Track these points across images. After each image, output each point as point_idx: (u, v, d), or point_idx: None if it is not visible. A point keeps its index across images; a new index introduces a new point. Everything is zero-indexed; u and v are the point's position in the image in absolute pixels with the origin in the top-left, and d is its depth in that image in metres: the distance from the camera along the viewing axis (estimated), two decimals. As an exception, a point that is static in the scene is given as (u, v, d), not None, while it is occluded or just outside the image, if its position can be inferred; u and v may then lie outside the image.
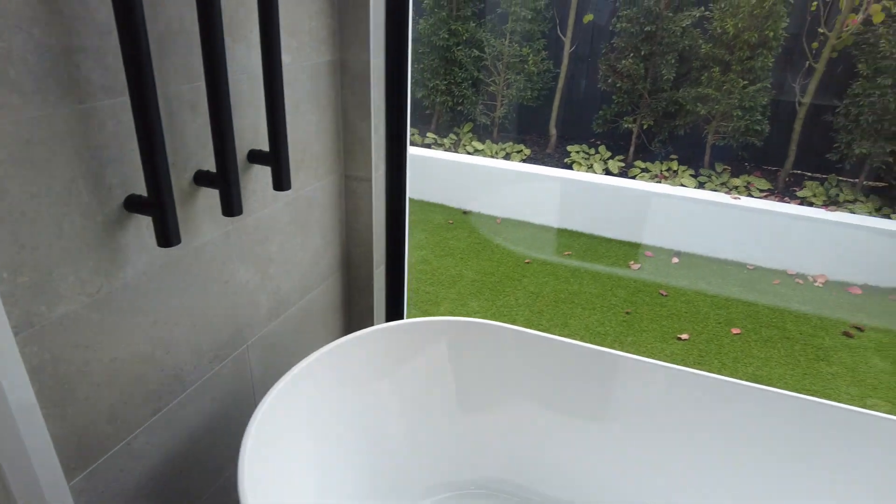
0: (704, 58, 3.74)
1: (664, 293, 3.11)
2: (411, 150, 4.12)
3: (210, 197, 1.01)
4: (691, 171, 4.01)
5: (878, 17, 3.39)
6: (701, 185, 3.87)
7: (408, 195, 1.53)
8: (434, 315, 2.78)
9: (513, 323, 2.77)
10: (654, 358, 2.59)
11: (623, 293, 3.09)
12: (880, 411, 2.20)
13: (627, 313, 2.89)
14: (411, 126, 4.72)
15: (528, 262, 3.39)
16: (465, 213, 4.04)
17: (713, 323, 2.86)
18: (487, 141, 4.48)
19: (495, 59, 4.23)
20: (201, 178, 0.97)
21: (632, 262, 3.46)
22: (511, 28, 4.12)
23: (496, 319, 2.76)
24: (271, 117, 0.99)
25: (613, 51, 3.98)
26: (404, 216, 1.51)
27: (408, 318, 1.48)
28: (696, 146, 4.07)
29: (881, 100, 3.44)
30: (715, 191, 3.75)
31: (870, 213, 3.65)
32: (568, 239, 3.73)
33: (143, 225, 0.89)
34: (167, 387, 1.01)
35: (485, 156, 4.32)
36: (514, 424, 1.43)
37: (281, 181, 1.04)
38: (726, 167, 4.06)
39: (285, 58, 1.13)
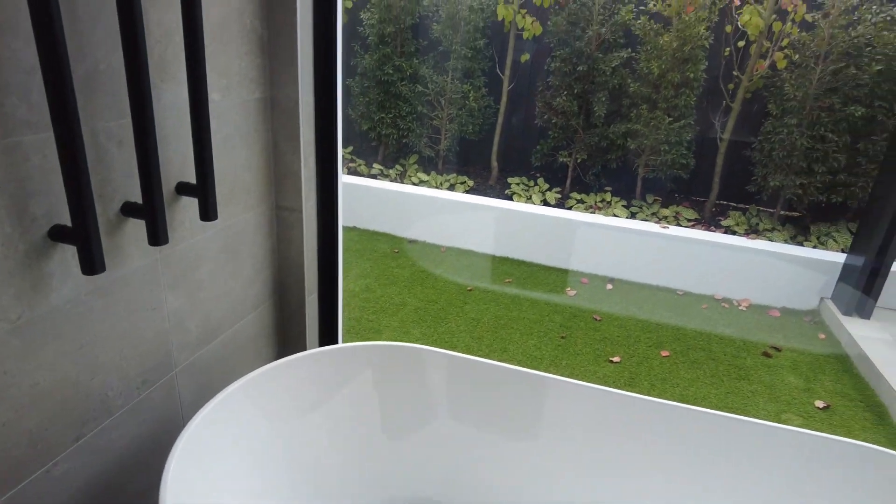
0: (633, 96, 3.99)
1: (598, 318, 3.24)
2: (357, 181, 4.20)
3: (138, 227, 1.05)
4: (624, 202, 4.22)
5: (782, 63, 3.73)
6: (633, 216, 4.09)
7: (341, 224, 1.60)
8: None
9: (453, 349, 2.84)
10: (586, 380, 2.70)
11: (559, 318, 3.21)
12: (793, 425, 2.38)
13: (563, 337, 3.01)
14: (358, 157, 4.81)
15: (470, 290, 3.48)
16: (410, 242, 4.12)
17: (644, 346, 3.01)
18: (433, 172, 4.61)
19: (438, 94, 4.39)
20: (129, 209, 1.01)
21: (568, 289, 3.60)
22: (453, 65, 4.30)
23: (438, 346, 2.83)
24: (198, 152, 1.04)
25: (549, 89, 4.20)
26: (337, 244, 1.57)
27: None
28: (628, 178, 4.30)
29: (789, 137, 3.75)
30: (646, 220, 3.96)
31: (786, 241, 3.93)
32: (509, 267, 3.85)
33: (69, 254, 0.92)
34: (92, 412, 1.03)
35: (430, 186, 4.43)
36: (445, 447, 1.48)
37: (207, 212, 1.09)
38: (657, 198, 4.30)
39: (215, 95, 1.19)
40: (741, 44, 3.88)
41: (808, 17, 3.69)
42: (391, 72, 4.38)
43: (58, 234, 0.89)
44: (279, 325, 1.58)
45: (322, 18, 1.35)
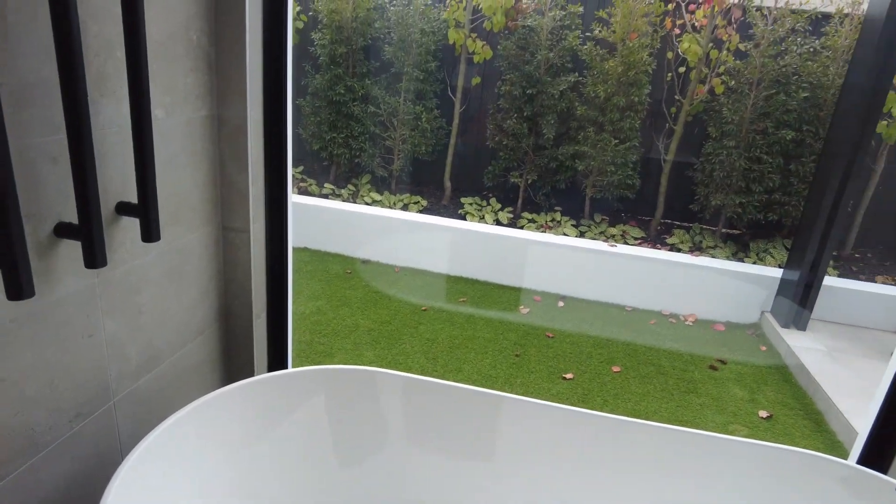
0: (580, 119, 4.10)
1: (551, 335, 3.28)
2: (308, 201, 4.14)
3: (74, 248, 0.99)
4: (573, 222, 4.31)
5: (720, 89, 3.92)
6: (582, 235, 4.17)
7: (290, 245, 1.56)
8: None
9: (407, 371, 2.80)
10: (541, 397, 2.71)
11: (513, 336, 3.22)
12: (739, 436, 2.44)
13: (517, 356, 3.02)
14: (309, 177, 4.74)
15: (424, 310, 3.46)
16: (363, 262, 4.07)
17: (596, 362, 3.05)
18: (385, 192, 4.59)
19: (391, 115, 4.40)
20: (63, 230, 0.95)
21: (522, 307, 3.63)
22: (405, 87, 4.32)
23: (391, 368, 2.79)
24: (140, 170, 1.00)
25: (500, 111, 4.27)
26: (286, 266, 1.53)
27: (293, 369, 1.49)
28: (577, 198, 4.40)
29: (728, 158, 3.93)
30: (594, 239, 4.05)
31: (727, 258, 4.09)
32: (463, 286, 3.86)
33: (-7, 278, 0.86)
34: (16, 450, 0.95)
35: (383, 206, 4.41)
36: (401, 472, 1.45)
37: (150, 233, 1.04)
38: (605, 217, 4.41)
39: (159, 112, 1.15)
40: (682, 70, 4.06)
41: (742, 47, 3.90)
42: (343, 92, 4.37)
43: (-19, 258, 0.82)
44: (226, 350, 1.52)
45: (272, 37, 1.33)
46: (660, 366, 3.11)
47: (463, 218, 4.30)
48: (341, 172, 4.71)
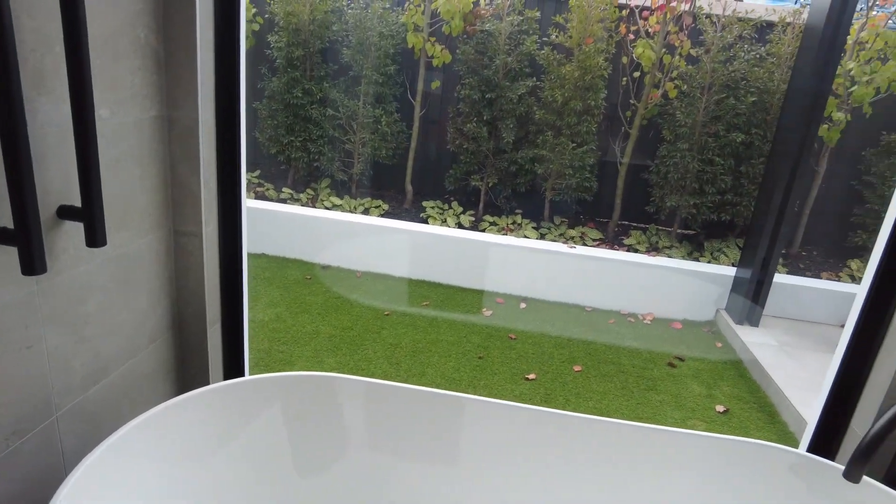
0: (539, 123, 4.15)
1: (513, 337, 3.29)
2: (266, 206, 4.06)
3: (9, 254, 0.94)
4: (534, 224, 4.35)
5: (673, 93, 4.02)
6: (542, 237, 4.21)
7: (245, 250, 1.52)
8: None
9: (370, 376, 2.77)
10: (504, 398, 2.72)
11: (476, 339, 3.22)
12: (698, 430, 2.48)
13: (480, 358, 3.02)
14: (266, 181, 4.64)
15: (387, 315, 3.43)
16: (324, 267, 4.01)
17: (557, 362, 3.08)
18: (346, 196, 4.54)
19: (350, 118, 4.36)
20: (-3, 236, 0.90)
21: (485, 309, 3.64)
22: (364, 90, 4.29)
23: (353, 374, 2.75)
24: (83, 172, 0.95)
25: (460, 115, 4.29)
26: (241, 271, 1.49)
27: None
28: (537, 201, 4.44)
29: (682, 160, 4.03)
30: (554, 241, 4.10)
31: (683, 258, 4.19)
32: (426, 290, 3.85)
33: (-80, 287, 0.81)
34: (-52, 470, 0.89)
35: (343, 211, 4.36)
36: (363, 479, 1.43)
37: (95, 237, 0.99)
38: (564, 220, 4.47)
39: (103, 112, 1.10)
40: (637, 74, 4.15)
41: (693, 52, 4.02)
42: (300, 95, 4.31)
43: None
44: (180, 359, 1.47)
45: (224, 36, 1.30)
46: (620, 364, 3.16)
47: (425, 221, 4.29)
48: (300, 177, 4.64)
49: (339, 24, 4.31)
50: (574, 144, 4.09)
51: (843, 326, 1.54)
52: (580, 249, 3.93)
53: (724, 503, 1.33)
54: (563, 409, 2.56)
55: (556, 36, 4.09)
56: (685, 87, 4.02)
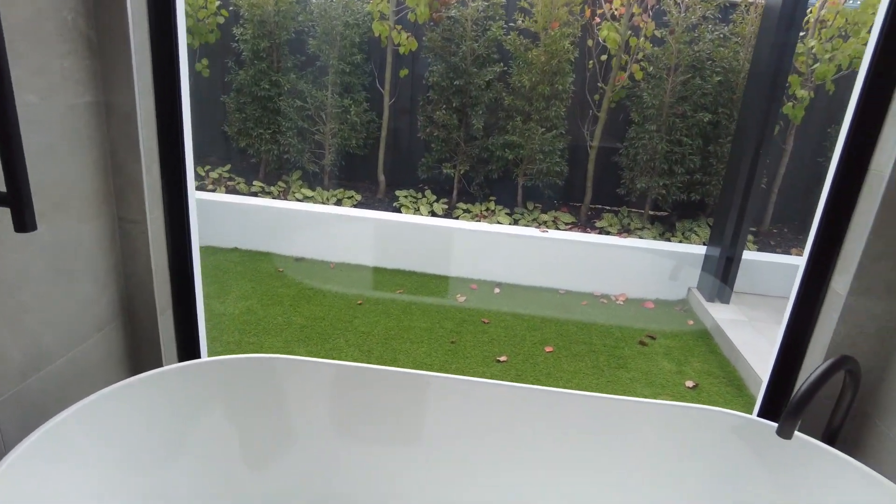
0: (508, 108, 4.16)
1: (486, 321, 3.31)
2: (237, 200, 4.03)
3: (-67, 242, 0.93)
4: (507, 210, 4.37)
5: (639, 75, 4.05)
6: (515, 222, 4.23)
7: (195, 237, 1.51)
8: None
9: (341, 364, 2.78)
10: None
11: (450, 324, 3.24)
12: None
13: (452, 343, 3.03)
14: (237, 175, 4.60)
15: (360, 304, 3.43)
16: (297, 259, 4.00)
17: (529, 344, 3.10)
18: (318, 188, 4.52)
19: (319, 109, 4.33)
20: (-82, 222, 0.89)
21: (458, 295, 3.65)
22: (332, 80, 4.26)
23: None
24: (6, 155, 0.94)
25: (430, 103, 4.28)
26: (191, 258, 1.49)
27: (200, 361, 1.44)
28: (510, 187, 4.46)
29: (650, 142, 4.07)
30: (527, 226, 4.12)
31: (654, 238, 4.24)
32: (401, 278, 3.85)
33: None
34: None
35: (316, 202, 4.34)
36: (315, 461, 1.43)
37: (23, 222, 0.98)
38: (537, 205, 4.49)
39: (31, 97, 1.09)
40: (604, 58, 4.17)
41: (658, 34, 4.04)
42: (268, 87, 4.27)
43: None
44: (131, 347, 1.46)
45: (159, 21, 1.28)
46: (591, 344, 3.19)
47: (398, 211, 4.29)
48: (271, 170, 4.61)
49: (305, 15, 4.28)
50: (543, 129, 4.10)
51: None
52: (552, 233, 3.96)
53: (675, 466, 1.36)
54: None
55: (522, 21, 4.09)
56: (651, 68, 4.04)
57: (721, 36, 3.98)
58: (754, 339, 3.25)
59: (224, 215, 4.05)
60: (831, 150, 4.22)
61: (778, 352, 1.46)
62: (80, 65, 1.20)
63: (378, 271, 3.94)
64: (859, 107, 1.21)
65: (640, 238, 4.20)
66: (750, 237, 4.32)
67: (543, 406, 1.38)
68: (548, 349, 3.06)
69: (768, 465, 1.26)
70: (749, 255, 3.88)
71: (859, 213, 1.24)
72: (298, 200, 4.34)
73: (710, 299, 3.77)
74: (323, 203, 4.33)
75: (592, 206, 4.52)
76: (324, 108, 4.31)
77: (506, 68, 4.16)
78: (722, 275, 3.74)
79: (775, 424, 1.26)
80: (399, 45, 4.18)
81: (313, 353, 2.84)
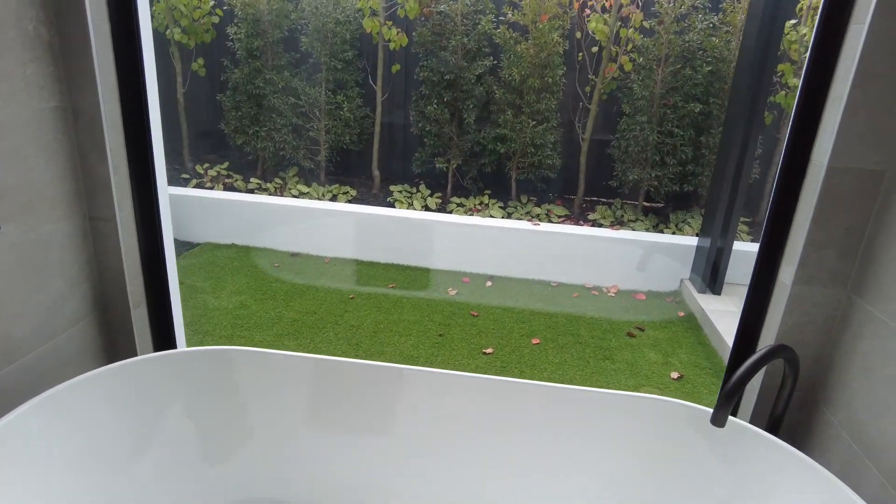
0: (499, 102, 4.18)
1: (475, 314, 3.35)
2: (234, 196, 4.10)
3: None
4: (501, 204, 4.40)
5: (628, 66, 4.05)
6: (509, 216, 4.26)
7: (168, 233, 1.57)
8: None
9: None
10: (459, 370, 2.77)
11: (439, 318, 3.28)
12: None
13: (440, 335, 3.08)
14: (235, 173, 4.66)
15: (352, 298, 3.49)
16: (292, 255, 4.06)
17: (516, 336, 3.14)
18: (314, 184, 4.58)
19: (312, 105, 4.38)
20: None
21: (450, 289, 3.69)
22: (325, 77, 4.31)
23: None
24: (-35, 159, 1.00)
25: (421, 98, 4.31)
26: (163, 254, 1.54)
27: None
28: (504, 181, 4.48)
29: (641, 133, 4.07)
30: (519, 220, 4.15)
31: (647, 230, 4.24)
32: (394, 272, 3.90)
33: None
34: None
35: (311, 198, 4.39)
36: (294, 450, 1.48)
37: (-15, 222, 1.04)
38: (532, 198, 4.51)
39: (-5, 103, 1.14)
40: (595, 49, 4.17)
41: (647, 24, 4.04)
42: (262, 85, 4.33)
43: None
44: (107, 341, 1.52)
45: (121, 27, 1.33)
46: (578, 336, 3.22)
47: (392, 206, 4.33)
48: (268, 166, 4.67)
49: (297, 13, 4.32)
50: (534, 122, 4.12)
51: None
52: (544, 226, 3.98)
53: (620, 455, 1.39)
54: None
55: (512, 14, 4.10)
56: (641, 59, 4.04)
57: (711, 25, 3.97)
58: (742, 329, 3.26)
59: (222, 212, 4.12)
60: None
61: (733, 342, 1.49)
62: (43, 71, 1.25)
63: (372, 266, 3.99)
64: (801, 99, 1.23)
65: (633, 230, 4.21)
66: (744, 227, 4.31)
67: (498, 396, 1.41)
68: (534, 341, 3.10)
69: (715, 454, 1.29)
70: (742, 246, 3.88)
71: (802, 203, 1.26)
72: (294, 196, 4.40)
73: (702, 290, 3.77)
74: (319, 199, 4.39)
75: (587, 199, 4.53)
76: (317, 104, 4.36)
77: (496, 62, 4.18)
78: (713, 266, 3.74)
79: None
80: (389, 41, 4.21)
81: (302, 346, 2.90)
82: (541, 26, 3.94)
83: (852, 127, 1.14)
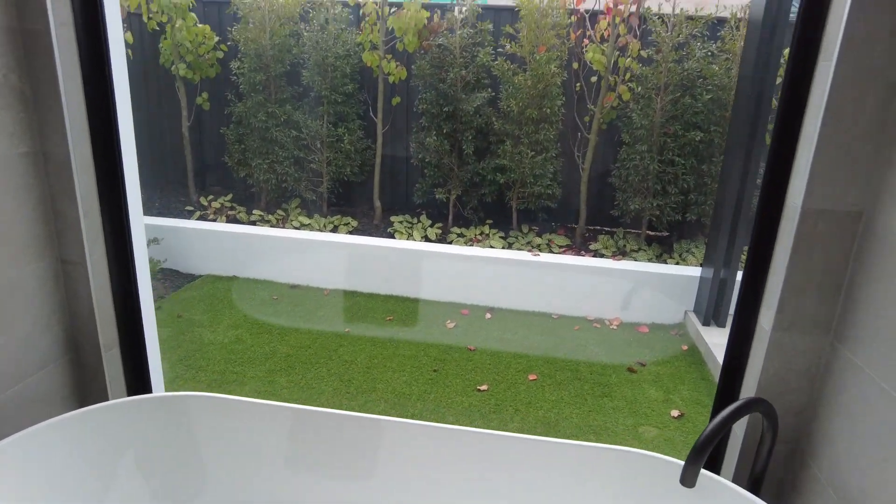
0: (498, 133, 4.18)
1: (472, 348, 3.30)
2: (236, 229, 4.12)
3: None
4: (501, 234, 4.37)
5: (627, 95, 4.04)
6: (510, 246, 4.23)
7: (143, 274, 1.56)
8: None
9: (319, 394, 2.79)
10: (452, 408, 2.72)
11: (435, 352, 3.24)
12: (649, 436, 2.46)
13: (435, 371, 3.03)
14: (239, 205, 4.70)
15: (347, 332, 3.46)
16: (292, 287, 4.06)
17: (513, 371, 3.08)
18: (316, 215, 4.59)
19: (314, 138, 4.42)
20: None
21: (448, 321, 3.65)
22: (326, 110, 4.35)
23: (302, 393, 2.77)
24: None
25: (421, 129, 4.33)
26: (137, 296, 1.53)
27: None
28: (505, 211, 4.47)
29: (641, 163, 4.04)
30: (520, 250, 4.11)
31: (650, 260, 4.18)
32: (392, 304, 3.87)
33: None
34: None
35: (313, 229, 4.41)
36: (263, 501, 1.44)
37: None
38: (533, 228, 4.48)
39: (-40, 151, 1.15)
40: (593, 79, 4.18)
41: (644, 53, 4.04)
42: (264, 118, 4.38)
43: None
44: (78, 384, 1.51)
45: (91, 73, 1.34)
46: (577, 371, 3.15)
47: (392, 236, 4.32)
48: (270, 198, 4.71)
49: (298, 48, 4.39)
50: (533, 153, 4.12)
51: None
52: (545, 257, 3.94)
53: (602, 506, 1.33)
54: (512, 419, 2.57)
55: (510, 46, 4.13)
56: (639, 88, 4.04)
57: (710, 53, 3.96)
58: (747, 364, 3.17)
59: (224, 244, 4.14)
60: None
61: (716, 391, 1.43)
62: (14, 118, 1.26)
63: (371, 297, 3.97)
64: (774, 140, 1.20)
65: (636, 260, 4.15)
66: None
67: (476, 449, 1.37)
68: (531, 377, 3.04)
69: (695, 504, 1.23)
70: (746, 276, 3.79)
71: (779, 246, 1.22)
72: (296, 228, 4.42)
73: (706, 322, 3.69)
74: (320, 230, 4.40)
75: (589, 228, 4.49)
76: (319, 137, 4.40)
77: (494, 94, 4.20)
78: (717, 296, 3.67)
79: (708, 474, 1.24)
80: (389, 74, 4.26)
81: (294, 382, 2.87)
82: (538, 57, 3.96)
83: (825, 167, 1.11)
